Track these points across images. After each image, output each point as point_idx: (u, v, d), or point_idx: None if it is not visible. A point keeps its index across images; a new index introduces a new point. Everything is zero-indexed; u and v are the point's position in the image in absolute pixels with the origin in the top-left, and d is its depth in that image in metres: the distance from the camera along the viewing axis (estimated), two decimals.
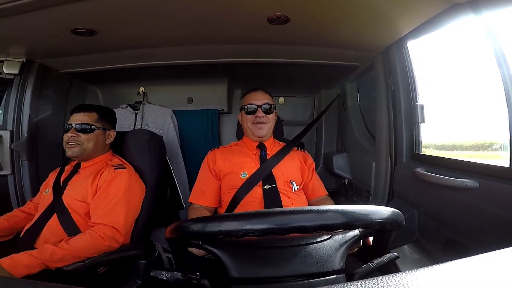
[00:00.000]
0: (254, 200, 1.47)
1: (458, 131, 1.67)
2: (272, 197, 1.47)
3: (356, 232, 0.82)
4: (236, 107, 2.80)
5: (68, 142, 1.49)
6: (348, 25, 1.52)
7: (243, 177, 1.52)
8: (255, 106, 1.60)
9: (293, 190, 1.54)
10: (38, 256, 1.15)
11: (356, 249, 0.98)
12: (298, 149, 1.77)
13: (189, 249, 1.04)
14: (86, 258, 1.22)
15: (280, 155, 1.61)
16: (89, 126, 1.51)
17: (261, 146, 1.64)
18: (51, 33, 1.50)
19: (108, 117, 1.63)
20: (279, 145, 1.70)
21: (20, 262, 1.12)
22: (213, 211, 1.58)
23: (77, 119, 1.51)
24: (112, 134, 1.62)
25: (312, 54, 1.95)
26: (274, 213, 0.65)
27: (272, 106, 1.63)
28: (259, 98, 1.62)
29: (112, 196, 1.37)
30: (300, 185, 1.61)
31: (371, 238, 0.98)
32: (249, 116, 1.61)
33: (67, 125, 1.51)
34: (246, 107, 1.62)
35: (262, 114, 1.60)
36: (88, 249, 1.24)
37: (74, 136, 1.48)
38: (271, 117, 1.64)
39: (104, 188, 1.40)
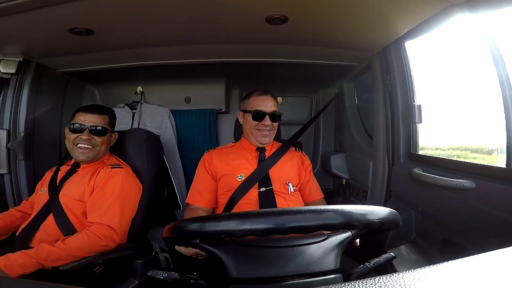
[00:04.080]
0: (249, 202, 1.46)
1: (454, 131, 1.67)
2: (267, 199, 1.47)
3: (349, 233, 0.82)
4: (234, 106, 2.80)
5: (78, 144, 1.45)
6: (346, 25, 1.52)
7: (239, 179, 1.51)
8: (264, 113, 1.54)
9: (289, 192, 1.53)
10: (34, 256, 1.14)
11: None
12: (296, 150, 1.76)
13: (177, 248, 1.04)
14: (82, 258, 1.22)
15: (277, 155, 1.60)
16: (104, 129, 1.49)
17: (261, 149, 1.62)
18: (48, 32, 1.49)
19: (114, 120, 1.62)
20: (276, 146, 1.69)
21: (15, 262, 1.11)
22: (210, 212, 1.56)
23: (91, 121, 1.47)
24: (115, 136, 1.62)
25: (310, 54, 1.95)
26: (272, 213, 0.65)
27: (279, 114, 1.59)
28: (268, 105, 1.56)
29: (108, 195, 1.37)
30: (297, 186, 1.60)
31: (357, 240, 0.98)
32: (255, 122, 1.56)
33: (76, 125, 1.46)
34: (253, 112, 1.55)
35: (269, 122, 1.55)
36: (85, 248, 1.23)
37: (89, 139, 1.45)
38: (276, 125, 1.60)
39: (101, 187, 1.40)
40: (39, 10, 1.23)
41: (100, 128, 1.48)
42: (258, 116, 1.55)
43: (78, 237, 1.26)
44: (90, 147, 1.46)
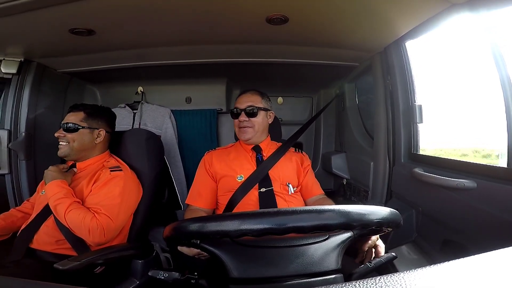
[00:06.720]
0: (249, 203, 1.45)
1: (454, 132, 1.67)
2: (268, 200, 1.46)
3: (350, 233, 0.82)
4: None
5: (59, 142, 1.51)
6: (347, 25, 1.52)
7: (239, 180, 1.50)
8: (238, 109, 1.57)
9: (290, 193, 1.52)
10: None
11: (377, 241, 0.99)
12: (296, 150, 1.74)
13: (179, 248, 1.04)
14: (83, 258, 1.21)
15: (276, 156, 1.58)
16: (73, 125, 1.50)
17: (257, 149, 1.61)
18: (49, 32, 1.50)
19: (97, 116, 1.58)
20: (275, 146, 1.67)
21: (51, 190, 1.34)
22: (210, 213, 1.56)
23: (66, 118, 1.53)
24: (101, 133, 1.57)
25: (310, 54, 1.95)
26: (272, 213, 0.65)
27: (258, 109, 1.57)
28: (244, 101, 1.58)
29: (109, 199, 1.37)
30: (297, 187, 1.58)
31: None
32: (235, 120, 1.60)
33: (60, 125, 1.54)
34: (231, 111, 1.61)
35: (244, 117, 1.56)
36: (80, 226, 1.27)
37: (60, 136, 1.50)
38: (256, 121, 1.58)
39: (99, 188, 1.40)
40: (40, 10, 1.23)
41: (70, 124, 1.51)
42: (234, 114, 1.60)
43: (88, 217, 1.29)
44: (64, 143, 1.50)
